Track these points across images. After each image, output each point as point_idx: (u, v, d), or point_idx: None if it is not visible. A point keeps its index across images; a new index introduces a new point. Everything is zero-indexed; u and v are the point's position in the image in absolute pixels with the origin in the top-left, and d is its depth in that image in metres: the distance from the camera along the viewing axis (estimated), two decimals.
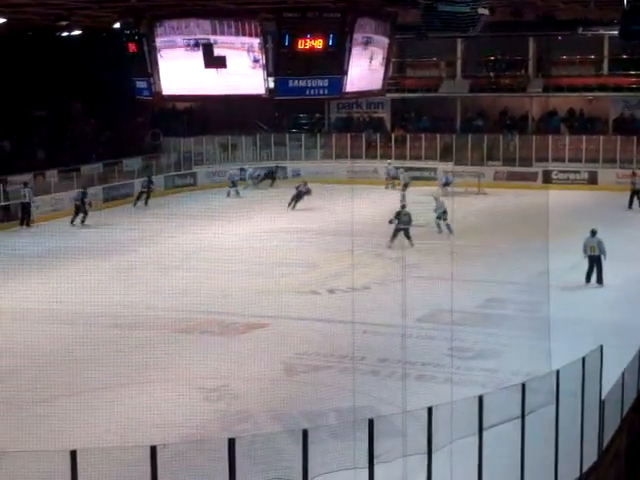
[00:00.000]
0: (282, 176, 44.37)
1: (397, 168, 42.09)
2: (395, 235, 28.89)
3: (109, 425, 14.31)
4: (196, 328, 20.68)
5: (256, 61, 20.95)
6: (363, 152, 45.93)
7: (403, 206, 29.56)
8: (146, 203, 38.19)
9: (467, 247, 26.88)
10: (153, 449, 9.41)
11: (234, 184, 40.56)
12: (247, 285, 23.54)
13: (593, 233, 24.34)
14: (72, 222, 33.72)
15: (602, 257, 23.84)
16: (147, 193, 38.48)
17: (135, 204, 38.02)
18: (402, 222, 29.02)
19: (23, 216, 33.69)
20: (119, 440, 12.64)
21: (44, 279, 23.87)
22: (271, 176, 43.80)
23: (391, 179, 41.84)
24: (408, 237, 28.73)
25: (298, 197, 36.86)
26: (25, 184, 34.22)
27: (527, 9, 30.12)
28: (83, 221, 33.78)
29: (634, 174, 37.43)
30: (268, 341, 19.27)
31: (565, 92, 45.22)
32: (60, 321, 20.47)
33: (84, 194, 34.43)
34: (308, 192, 37.05)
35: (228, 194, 39.74)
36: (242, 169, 42.79)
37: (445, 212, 29.85)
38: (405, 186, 39.01)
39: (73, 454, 9.25)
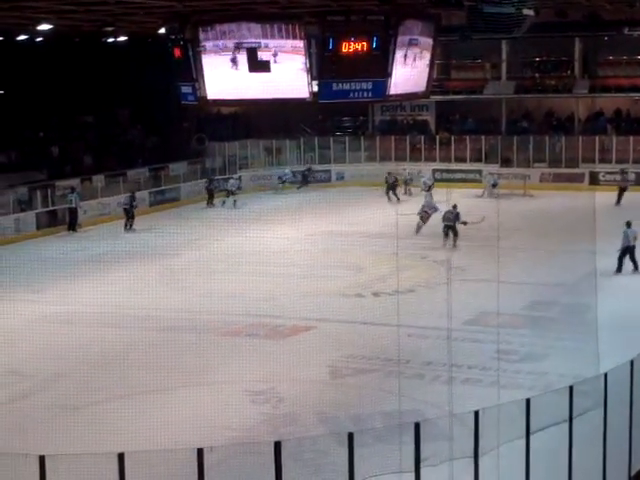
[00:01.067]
0: (313, 179, 44.33)
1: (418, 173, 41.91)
2: (446, 234, 29.15)
3: (157, 428, 14.40)
4: (243, 331, 20.77)
5: (300, 65, 21.01)
6: (407, 155, 45.81)
7: (454, 206, 29.67)
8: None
9: (513, 249, 26.70)
10: (200, 451, 9.47)
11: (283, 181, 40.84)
12: (293, 288, 23.61)
13: (629, 225, 25.23)
14: (125, 227, 34.07)
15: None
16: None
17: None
18: (447, 219, 29.23)
19: (70, 221, 34.06)
20: (167, 443, 12.73)
21: (92, 283, 24.15)
22: (304, 179, 43.75)
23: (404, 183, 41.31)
24: (454, 234, 28.99)
25: (392, 188, 37.89)
26: (72, 189, 34.60)
27: (572, 9, 29.87)
28: (131, 225, 34.10)
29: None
30: (314, 344, 19.30)
31: (611, 93, 44.79)
32: (109, 325, 20.71)
33: (132, 198, 34.77)
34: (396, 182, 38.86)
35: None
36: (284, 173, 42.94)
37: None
38: (429, 188, 39.00)
39: (121, 457, 9.33)
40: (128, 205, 34.53)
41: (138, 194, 36.79)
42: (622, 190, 37.77)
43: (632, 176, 39.24)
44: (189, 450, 9.60)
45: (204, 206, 38.88)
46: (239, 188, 39.59)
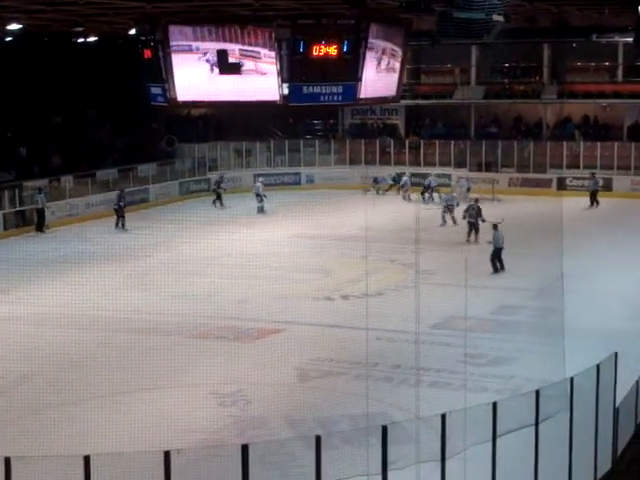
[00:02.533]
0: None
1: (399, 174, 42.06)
2: (470, 231, 30.14)
3: (124, 430, 14.35)
4: (211, 334, 20.73)
5: (271, 68, 21.01)
6: (377, 158, 45.94)
7: (476, 200, 30.80)
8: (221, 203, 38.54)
9: (481, 253, 26.86)
10: (167, 454, 9.45)
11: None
12: (262, 291, 23.60)
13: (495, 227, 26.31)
14: (116, 225, 34.05)
15: None
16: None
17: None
18: (470, 215, 30.22)
19: (38, 222, 33.85)
20: (133, 445, 12.69)
21: (60, 284, 23.98)
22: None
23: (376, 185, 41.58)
24: (476, 230, 29.94)
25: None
26: (40, 190, 34.40)
27: (542, 16, 30.09)
28: (123, 224, 34.15)
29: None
30: (282, 347, 19.30)
31: (579, 99, 45.12)
32: (76, 326, 20.58)
33: (121, 197, 34.80)
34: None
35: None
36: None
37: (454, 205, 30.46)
38: (406, 191, 39.78)
39: (87, 459, 9.29)
40: (116, 204, 34.51)
41: (106, 195, 36.67)
42: (593, 194, 38.35)
43: (600, 181, 39.54)
44: (156, 453, 9.57)
45: (207, 205, 38.46)
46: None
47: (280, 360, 18.29)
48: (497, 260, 26.17)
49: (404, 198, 39.99)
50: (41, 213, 33.90)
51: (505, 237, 26.18)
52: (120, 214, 34.24)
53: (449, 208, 33.06)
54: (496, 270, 26.11)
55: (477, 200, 30.89)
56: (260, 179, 39.86)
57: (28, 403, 16.18)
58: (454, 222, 32.16)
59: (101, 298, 22.65)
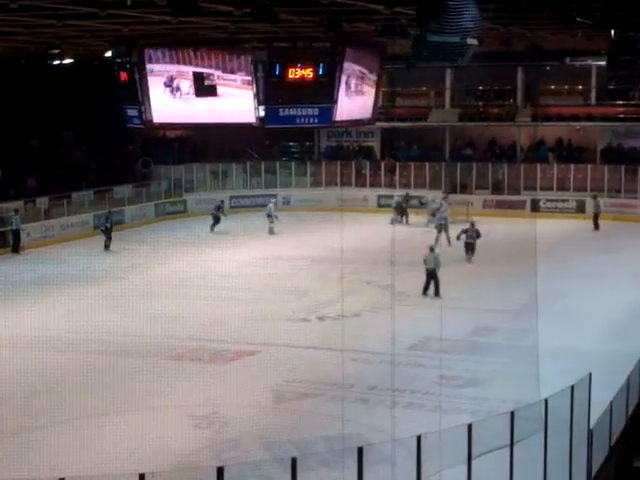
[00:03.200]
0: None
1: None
2: (467, 249, 30.89)
3: (98, 453, 14.29)
4: (186, 355, 20.67)
5: (247, 90, 21.11)
6: (353, 180, 46.08)
7: (472, 223, 31.59)
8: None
9: (456, 275, 26.98)
10: (142, 477, 9.41)
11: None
12: (238, 312, 23.56)
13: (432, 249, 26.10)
14: (105, 247, 33.98)
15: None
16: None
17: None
18: (469, 237, 30.96)
19: (14, 243, 33.69)
20: (108, 468, 12.62)
21: (34, 306, 23.86)
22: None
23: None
24: (472, 250, 30.75)
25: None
26: (16, 211, 34.27)
27: (516, 39, 30.35)
28: (108, 246, 34.06)
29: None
30: (258, 368, 19.29)
31: (553, 122, 45.44)
32: (50, 348, 20.44)
33: (108, 218, 34.79)
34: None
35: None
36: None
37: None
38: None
39: None
40: (103, 226, 34.55)
41: (81, 217, 36.57)
42: (596, 216, 38.41)
43: (602, 203, 39.59)
44: (131, 475, 9.53)
45: (183, 226, 38.26)
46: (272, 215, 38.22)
47: (256, 382, 18.28)
48: (428, 283, 25.68)
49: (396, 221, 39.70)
50: (16, 234, 33.75)
51: (478, 258, 26.22)
52: (108, 235, 34.15)
53: (443, 227, 33.38)
54: (425, 291, 25.65)
55: (473, 224, 31.27)
56: (273, 200, 39.92)
57: (1, 426, 16.06)
58: (449, 242, 32.20)
59: (76, 320, 22.51)
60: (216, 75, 21.06)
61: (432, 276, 25.66)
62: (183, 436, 15.52)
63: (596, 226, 38.19)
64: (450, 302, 23.60)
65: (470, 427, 11.08)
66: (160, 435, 15.27)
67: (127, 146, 44.77)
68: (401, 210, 40.12)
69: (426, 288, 25.67)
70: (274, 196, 42.19)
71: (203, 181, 45.66)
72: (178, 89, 21.26)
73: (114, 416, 16.54)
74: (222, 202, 39.71)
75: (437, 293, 25.52)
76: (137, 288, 26.45)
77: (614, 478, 14.09)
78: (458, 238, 31.10)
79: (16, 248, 33.55)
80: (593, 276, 28.30)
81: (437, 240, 31.42)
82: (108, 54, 24.55)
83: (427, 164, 45.28)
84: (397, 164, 46.27)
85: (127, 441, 14.96)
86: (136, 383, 18.11)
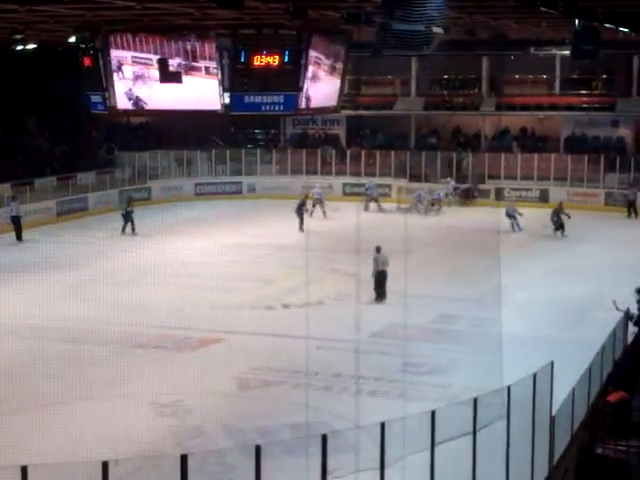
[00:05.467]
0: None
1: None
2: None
3: (61, 441, 14.21)
4: (150, 343, 20.60)
5: (212, 77, 21.01)
6: (319, 168, 46.07)
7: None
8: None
9: (421, 263, 27.08)
10: (105, 465, 9.37)
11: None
12: (202, 300, 23.50)
13: (378, 250, 24.17)
14: (122, 231, 33.74)
15: None
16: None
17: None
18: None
19: (16, 230, 33.03)
20: (71, 456, 12.55)
21: None
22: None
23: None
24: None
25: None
26: (13, 198, 33.80)
27: (480, 29, 30.42)
28: (133, 229, 33.85)
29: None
30: (222, 356, 19.27)
31: (517, 111, 45.77)
32: (13, 335, 20.31)
33: (128, 204, 34.50)
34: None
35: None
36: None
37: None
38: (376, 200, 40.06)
39: (24, 470, 9.18)
40: (124, 210, 34.27)
41: (46, 203, 36.25)
42: (630, 204, 38.65)
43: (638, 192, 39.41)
44: (94, 463, 9.50)
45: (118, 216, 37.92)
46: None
47: (220, 369, 18.26)
48: (379, 286, 23.78)
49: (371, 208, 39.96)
50: (17, 221, 33.00)
51: (442, 247, 26.13)
52: (128, 219, 33.90)
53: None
54: (378, 297, 23.70)
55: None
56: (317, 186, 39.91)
57: None
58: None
59: (39, 307, 22.40)
60: (181, 62, 20.94)
61: (380, 279, 23.78)
62: (147, 424, 15.48)
63: (629, 213, 38.42)
64: (415, 290, 23.67)
65: (433, 414, 11.13)
66: (124, 423, 15.23)
67: (91, 132, 44.43)
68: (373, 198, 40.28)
69: (378, 293, 23.80)
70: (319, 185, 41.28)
71: (168, 168, 45.44)
72: (142, 75, 21.12)
73: (77, 403, 16.46)
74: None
75: (384, 295, 23.71)
76: (101, 275, 26.33)
77: (576, 465, 14.25)
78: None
79: (19, 235, 32.83)
80: (556, 266, 28.54)
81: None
82: (72, 40, 24.33)
83: (392, 152, 45.35)
84: (362, 152, 46.30)
85: (90, 428, 14.89)
86: (100, 371, 18.05)
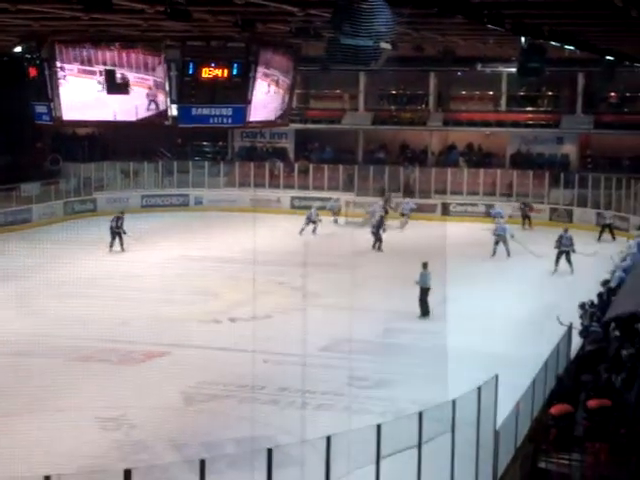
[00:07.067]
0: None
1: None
2: (558, 258, 29.95)
3: (2, 455, 13.97)
4: (94, 357, 20.36)
5: (159, 88, 20.90)
6: (266, 181, 46.05)
7: (566, 230, 31.00)
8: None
9: (367, 276, 27.15)
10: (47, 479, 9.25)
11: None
12: (147, 313, 23.30)
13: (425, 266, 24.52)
14: (110, 247, 33.00)
15: None
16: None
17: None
18: (564, 245, 30.05)
19: None
20: (10, 470, 12.35)
21: None
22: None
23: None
24: (569, 261, 29.78)
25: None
26: None
27: (428, 45, 30.65)
28: (121, 245, 33.12)
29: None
30: (167, 370, 19.12)
31: (464, 127, 46.22)
32: None
33: (118, 219, 33.69)
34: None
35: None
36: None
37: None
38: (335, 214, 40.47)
39: None
40: (116, 226, 33.40)
41: None
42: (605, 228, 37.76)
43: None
44: (36, 478, 9.35)
45: (93, 224, 37.09)
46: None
47: (165, 383, 18.12)
48: (423, 302, 24.15)
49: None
50: None
51: (388, 260, 26.20)
52: (119, 235, 33.11)
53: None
54: (424, 314, 24.07)
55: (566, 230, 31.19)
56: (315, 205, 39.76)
57: None
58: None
59: None
60: (128, 73, 20.80)
61: (425, 296, 24.09)
62: (90, 438, 15.31)
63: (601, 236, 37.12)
64: (361, 304, 23.73)
65: (379, 428, 11.14)
66: (67, 437, 15.05)
67: (35, 143, 43.96)
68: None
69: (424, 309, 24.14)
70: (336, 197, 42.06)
71: (114, 180, 45.09)
72: (89, 86, 20.92)
73: (18, 417, 16.21)
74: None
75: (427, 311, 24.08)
76: (43, 288, 25.99)
77: (519, 479, 14.32)
78: (556, 247, 30.16)
79: None
80: (501, 279, 28.79)
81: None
82: (17, 49, 24.02)
83: (340, 166, 45.50)
84: (310, 166, 46.40)
85: (32, 443, 14.67)
86: (41, 384, 17.78)
